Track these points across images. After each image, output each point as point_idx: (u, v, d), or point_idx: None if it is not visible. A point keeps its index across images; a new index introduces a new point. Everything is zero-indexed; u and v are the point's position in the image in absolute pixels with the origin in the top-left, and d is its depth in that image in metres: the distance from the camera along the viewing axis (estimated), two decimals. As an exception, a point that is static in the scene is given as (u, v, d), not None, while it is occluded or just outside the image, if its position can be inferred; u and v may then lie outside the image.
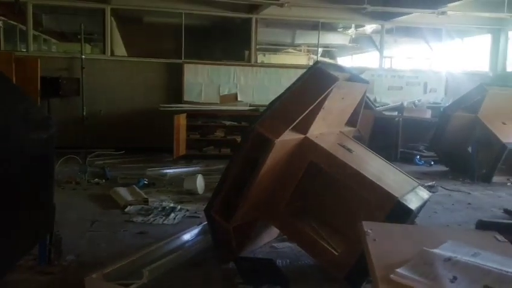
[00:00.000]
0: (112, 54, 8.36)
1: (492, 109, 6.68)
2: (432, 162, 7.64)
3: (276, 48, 12.76)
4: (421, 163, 7.69)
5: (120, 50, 8.93)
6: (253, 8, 8.63)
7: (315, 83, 2.94)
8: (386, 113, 8.43)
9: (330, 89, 2.90)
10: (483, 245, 1.74)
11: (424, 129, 8.01)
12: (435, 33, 9.91)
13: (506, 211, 4.87)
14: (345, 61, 15.93)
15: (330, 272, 2.96)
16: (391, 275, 1.42)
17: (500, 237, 1.84)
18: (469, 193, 5.76)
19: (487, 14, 8.60)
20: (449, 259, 1.53)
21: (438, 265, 1.48)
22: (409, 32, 10.90)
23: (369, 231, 1.78)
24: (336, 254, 2.89)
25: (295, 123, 2.82)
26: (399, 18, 9.09)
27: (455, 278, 1.42)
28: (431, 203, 4.97)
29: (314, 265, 3.17)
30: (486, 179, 6.36)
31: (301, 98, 2.91)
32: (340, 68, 3.86)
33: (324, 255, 2.94)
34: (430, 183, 6.05)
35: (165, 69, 8.47)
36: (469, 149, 6.77)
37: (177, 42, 8.52)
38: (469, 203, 5.25)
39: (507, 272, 1.48)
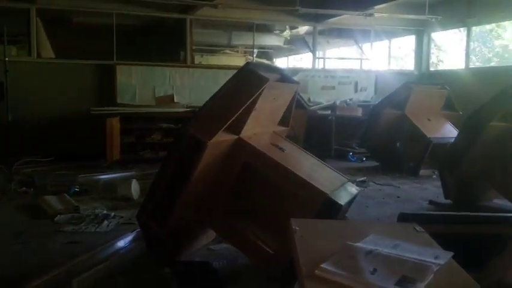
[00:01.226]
0: (39, 56, 7.93)
1: (417, 106, 7.09)
2: (364, 158, 7.97)
3: (213, 49, 12.74)
4: (353, 159, 8.00)
5: (48, 52, 8.49)
6: (187, 9, 8.56)
7: (246, 84, 2.96)
8: (320, 112, 8.68)
9: (261, 89, 2.93)
10: (403, 236, 1.84)
11: (356, 126, 8.34)
12: (364, 35, 10.35)
13: (431, 202, 5.19)
14: (282, 62, 16.25)
15: (265, 271, 2.99)
16: (316, 271, 1.46)
17: (419, 228, 1.95)
18: (399, 187, 6.07)
19: (410, 16, 9.10)
20: (370, 252, 1.60)
21: (360, 258, 1.55)
22: (340, 33, 11.31)
23: (296, 228, 1.82)
24: (271, 252, 2.93)
25: (227, 124, 2.82)
26: (330, 20, 9.40)
27: (375, 270, 1.48)
28: (363, 197, 5.21)
29: (251, 265, 3.19)
30: (414, 173, 6.73)
31: (233, 99, 2.92)
32: (271, 69, 3.92)
33: (259, 254, 2.97)
34: (362, 179, 6.31)
35: (96, 71, 8.17)
36: (398, 145, 7.14)
37: (109, 43, 8.25)
38: (398, 196, 5.53)
39: (423, 260, 1.57)
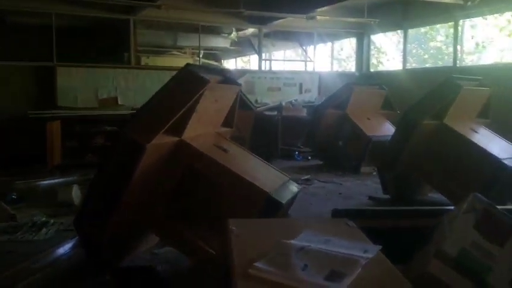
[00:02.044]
0: (-30, 57, 7.49)
1: (358, 106, 7.35)
2: (309, 157, 8.17)
3: (159, 50, 12.56)
4: (299, 158, 8.17)
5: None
6: (130, 10, 8.39)
7: (187, 86, 2.96)
8: (267, 113, 8.79)
9: (201, 91, 2.94)
10: (335, 232, 1.91)
11: (301, 126, 8.51)
12: (308, 37, 10.59)
13: (370, 197, 5.40)
14: (230, 63, 16.28)
15: (209, 272, 3.00)
16: (249, 269, 1.49)
17: (350, 223, 2.03)
18: (341, 184, 6.27)
19: (351, 19, 9.41)
20: (302, 248, 1.66)
21: (292, 255, 1.60)
22: (285, 36, 11.50)
23: (233, 228, 1.85)
24: (214, 253, 2.94)
25: (167, 126, 2.80)
26: (275, 22, 9.54)
27: (306, 266, 1.53)
28: (307, 195, 5.35)
29: (195, 267, 3.19)
30: (355, 170, 6.97)
31: (173, 101, 2.91)
32: (212, 71, 3.93)
33: (202, 256, 2.98)
34: (306, 177, 6.46)
35: (34, 73, 7.83)
36: (340, 143, 7.37)
37: (49, 44, 7.92)
38: (340, 193, 5.72)
39: (352, 255, 1.64)
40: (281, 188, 3.15)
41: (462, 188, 4.40)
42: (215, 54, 13.38)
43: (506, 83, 7.05)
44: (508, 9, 8.21)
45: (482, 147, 4.62)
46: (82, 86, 8.02)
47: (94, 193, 2.81)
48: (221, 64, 13.97)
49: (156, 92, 3.00)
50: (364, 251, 1.69)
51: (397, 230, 2.44)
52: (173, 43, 11.72)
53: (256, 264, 1.53)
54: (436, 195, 5.21)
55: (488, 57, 9.81)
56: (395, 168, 4.87)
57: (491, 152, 4.57)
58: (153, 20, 9.09)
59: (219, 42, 12.00)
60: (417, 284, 1.84)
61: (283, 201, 2.94)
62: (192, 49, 12.54)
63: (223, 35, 11.67)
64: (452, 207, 2.31)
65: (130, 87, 8.42)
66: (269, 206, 2.86)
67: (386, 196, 5.27)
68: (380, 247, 1.74)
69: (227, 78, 3.71)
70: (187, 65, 3.24)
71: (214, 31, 11.20)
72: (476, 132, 4.95)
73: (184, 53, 12.95)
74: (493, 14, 8.71)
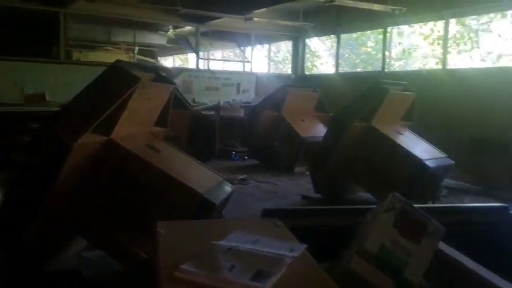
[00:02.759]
0: None
1: (293, 107, 7.52)
2: (246, 157, 8.23)
3: (92, 45, 12.08)
4: (236, 158, 8.21)
5: None
6: (61, 2, 7.99)
7: (116, 83, 2.87)
8: (204, 113, 8.74)
9: (132, 89, 2.86)
10: (264, 231, 1.94)
11: (238, 126, 8.57)
12: (246, 38, 10.67)
13: (303, 197, 5.55)
14: (167, 61, 16.00)
15: (143, 276, 2.93)
16: (175, 272, 1.48)
17: (279, 222, 2.07)
18: (276, 183, 6.38)
19: (287, 22, 9.60)
20: (230, 249, 1.67)
21: (220, 256, 1.60)
22: (223, 35, 11.51)
23: (161, 231, 1.82)
24: (145, 256, 2.88)
25: (95, 124, 2.69)
26: (213, 21, 9.52)
27: (233, 267, 1.54)
28: (243, 194, 5.38)
29: (126, 271, 3.10)
30: (290, 170, 7.12)
31: (101, 99, 2.81)
32: (145, 68, 3.84)
33: (133, 260, 2.90)
34: (242, 177, 6.51)
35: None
36: (275, 144, 7.50)
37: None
38: (275, 193, 5.82)
39: (278, 254, 1.68)
40: (215, 188, 3.14)
41: (388, 187, 4.62)
42: (151, 51, 13.10)
43: (429, 88, 7.52)
44: (432, 19, 8.78)
45: (406, 149, 4.89)
46: (5, 81, 7.52)
47: (16, 194, 2.65)
48: (157, 61, 13.69)
49: (83, 88, 2.87)
50: (291, 250, 1.73)
51: (325, 228, 2.52)
52: (107, 38, 11.35)
53: (182, 266, 1.52)
54: (366, 194, 5.45)
55: (413, 64, 10.43)
56: (326, 168, 5.04)
57: (414, 153, 4.85)
58: (84, 13, 8.71)
59: (155, 39, 11.77)
60: (341, 281, 1.92)
61: (216, 202, 2.93)
62: (127, 45, 12.20)
63: (159, 32, 11.46)
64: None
65: (60, 83, 8.02)
66: (202, 207, 2.85)
67: (318, 195, 5.42)
68: (306, 246, 1.79)
69: (161, 76, 3.65)
70: (118, 61, 3.14)
71: (150, 27, 10.96)
72: (401, 134, 5.24)
73: (119, 48, 12.57)
74: (418, 22, 9.27)
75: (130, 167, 2.97)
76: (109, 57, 12.30)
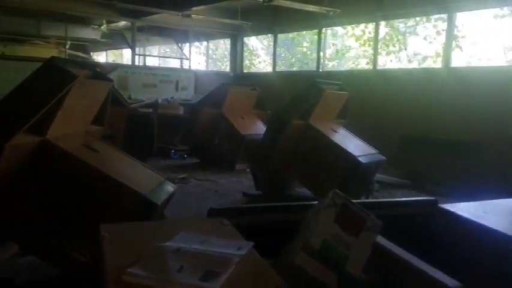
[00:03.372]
0: None
1: (233, 105, 7.55)
2: (186, 156, 8.15)
3: (20, 38, 11.37)
4: (176, 157, 8.11)
5: None
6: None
7: (51, 80, 2.74)
8: (142, 110, 8.53)
9: (68, 86, 2.74)
10: (211, 231, 1.95)
11: (177, 124, 8.46)
12: (184, 35, 10.54)
13: (244, 194, 5.61)
14: (100, 57, 15.42)
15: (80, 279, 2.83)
16: (122, 276, 1.45)
17: (225, 221, 2.09)
18: (217, 181, 6.38)
19: (225, 20, 9.61)
20: (178, 250, 1.66)
21: (167, 258, 1.59)
22: (160, 31, 11.28)
23: (105, 234, 1.78)
24: (84, 260, 2.79)
25: (29, 124, 2.55)
26: (149, 17, 9.30)
27: (182, 268, 1.54)
28: (184, 194, 5.34)
29: (63, 274, 2.98)
30: (230, 168, 7.16)
31: (36, 97, 2.67)
32: (80, 65, 3.68)
33: (71, 264, 2.79)
34: (183, 175, 6.45)
35: None
36: (216, 142, 7.50)
37: None
38: (216, 191, 5.83)
39: (226, 253, 1.70)
40: (156, 188, 3.10)
41: (325, 183, 4.81)
42: (84, 46, 12.56)
43: (361, 88, 7.87)
44: (363, 21, 9.18)
45: (340, 146, 5.09)
46: None
47: None
48: (90, 57, 13.16)
49: (16, 86, 2.72)
50: (238, 249, 1.75)
51: (269, 225, 2.58)
52: (36, 32, 10.74)
53: (129, 269, 1.49)
54: (305, 190, 5.60)
55: (346, 64, 10.85)
56: (266, 165, 5.12)
57: (348, 150, 5.06)
58: (10, 5, 8.17)
59: (88, 33, 11.30)
60: (286, 277, 1.97)
61: (159, 202, 2.90)
62: (58, 39, 11.61)
63: (93, 26, 11.01)
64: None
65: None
66: (144, 208, 2.80)
67: (259, 192, 5.50)
68: (252, 243, 1.82)
69: (97, 73, 3.53)
70: (52, 58, 2.99)
71: (83, 21, 10.50)
72: (336, 132, 5.44)
73: (49, 43, 11.93)
74: (351, 24, 9.67)
75: (67, 168, 2.85)
76: (38, 51, 11.66)
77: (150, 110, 8.64)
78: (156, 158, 7.62)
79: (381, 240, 2.17)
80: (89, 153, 3.06)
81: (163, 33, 11.23)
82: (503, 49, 7.93)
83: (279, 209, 2.69)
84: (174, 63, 11.41)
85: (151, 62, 12.30)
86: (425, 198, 2.87)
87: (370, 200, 2.76)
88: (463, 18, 7.81)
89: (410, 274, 1.99)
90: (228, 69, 11.15)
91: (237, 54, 10.98)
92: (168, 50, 13.89)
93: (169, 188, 3.32)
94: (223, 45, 11.94)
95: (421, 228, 2.63)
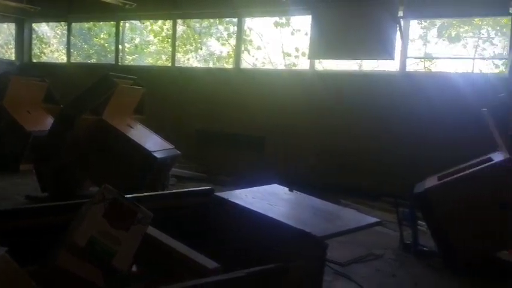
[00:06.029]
0: None
1: (17, 98, 6.79)
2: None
3: None
4: None
5: None
6: None
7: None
8: None
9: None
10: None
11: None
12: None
13: (28, 197, 5.11)
14: None
15: None
16: None
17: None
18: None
19: (8, 3, 8.53)
20: None
21: None
22: None
23: None
24: None
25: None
26: None
27: None
28: None
29: None
30: (14, 168, 6.41)
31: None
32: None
33: None
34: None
35: None
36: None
37: None
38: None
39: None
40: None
41: (120, 180, 4.70)
42: None
43: (160, 84, 7.97)
44: (161, 18, 9.28)
45: (135, 141, 5.05)
46: None
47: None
48: None
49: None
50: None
51: (40, 227, 2.42)
52: None
53: None
54: (96, 189, 5.38)
55: (146, 59, 10.81)
56: (53, 163, 4.77)
57: (143, 145, 5.06)
58: None
59: None
60: (50, 279, 1.90)
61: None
62: None
63: None
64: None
65: None
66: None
67: (46, 194, 5.09)
68: (6, 249, 1.71)
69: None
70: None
71: None
72: (131, 127, 5.39)
73: None
74: (149, 19, 9.65)
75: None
76: None
77: None
78: None
79: (152, 231, 2.26)
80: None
81: None
82: (282, 54, 8.96)
83: (51, 210, 2.55)
84: None
85: None
86: (203, 188, 3.08)
87: (150, 193, 2.85)
88: (250, 24, 8.58)
89: (176, 261, 2.13)
90: (13, 57, 9.92)
91: (24, 41, 9.86)
92: None
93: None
94: (7, 30, 10.54)
95: (199, 216, 2.83)
